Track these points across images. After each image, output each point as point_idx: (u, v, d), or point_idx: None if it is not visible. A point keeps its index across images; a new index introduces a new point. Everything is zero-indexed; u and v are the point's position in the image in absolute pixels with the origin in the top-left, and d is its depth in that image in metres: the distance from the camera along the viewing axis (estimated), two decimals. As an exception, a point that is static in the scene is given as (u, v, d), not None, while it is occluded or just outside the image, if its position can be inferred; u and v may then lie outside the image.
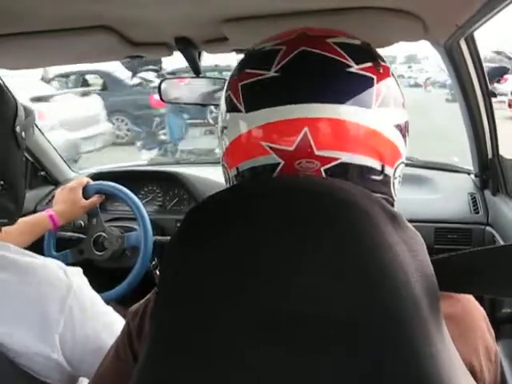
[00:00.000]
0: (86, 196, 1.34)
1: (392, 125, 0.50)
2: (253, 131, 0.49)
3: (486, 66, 1.22)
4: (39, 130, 1.71)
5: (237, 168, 0.51)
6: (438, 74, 14.67)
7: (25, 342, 0.66)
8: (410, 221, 0.41)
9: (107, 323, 0.75)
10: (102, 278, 1.21)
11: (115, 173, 1.78)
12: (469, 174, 1.59)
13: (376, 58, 0.51)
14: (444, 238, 1.38)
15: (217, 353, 0.37)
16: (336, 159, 0.47)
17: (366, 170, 0.49)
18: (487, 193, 1.45)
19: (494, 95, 1.26)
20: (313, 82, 0.48)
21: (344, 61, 0.48)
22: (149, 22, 0.86)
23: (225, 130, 0.53)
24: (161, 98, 1.37)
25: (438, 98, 12.66)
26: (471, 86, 1.21)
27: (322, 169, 0.47)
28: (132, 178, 1.65)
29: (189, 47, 1.02)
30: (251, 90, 0.50)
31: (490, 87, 1.23)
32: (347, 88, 0.48)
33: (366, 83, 0.48)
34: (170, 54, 1.09)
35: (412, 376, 0.34)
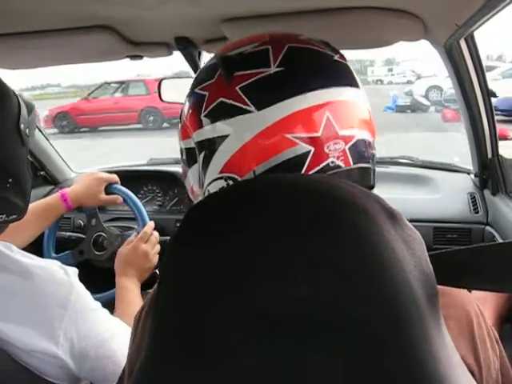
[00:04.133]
0: (106, 192, 1.33)
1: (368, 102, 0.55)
2: (273, 126, 0.48)
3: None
4: (39, 129, 1.71)
5: (254, 171, 0.49)
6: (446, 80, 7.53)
7: (30, 340, 0.68)
8: (410, 220, 0.41)
9: (105, 318, 0.79)
10: (101, 278, 1.21)
11: (115, 172, 1.77)
12: (468, 173, 1.59)
13: (336, 49, 0.55)
14: (443, 237, 1.38)
15: (216, 353, 0.37)
16: (354, 137, 0.51)
17: (369, 146, 0.53)
18: (487, 192, 1.45)
19: (494, 95, 1.26)
20: (315, 71, 0.51)
21: (327, 52, 0.53)
22: (149, 21, 0.86)
23: (226, 138, 0.50)
24: (160, 98, 1.37)
25: None
26: (471, 85, 1.21)
27: (346, 148, 0.50)
28: (132, 178, 1.65)
29: (189, 47, 1.02)
30: (256, 89, 0.49)
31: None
32: (342, 73, 0.53)
33: (347, 68, 0.54)
34: (170, 53, 1.09)
35: (412, 373, 0.34)
